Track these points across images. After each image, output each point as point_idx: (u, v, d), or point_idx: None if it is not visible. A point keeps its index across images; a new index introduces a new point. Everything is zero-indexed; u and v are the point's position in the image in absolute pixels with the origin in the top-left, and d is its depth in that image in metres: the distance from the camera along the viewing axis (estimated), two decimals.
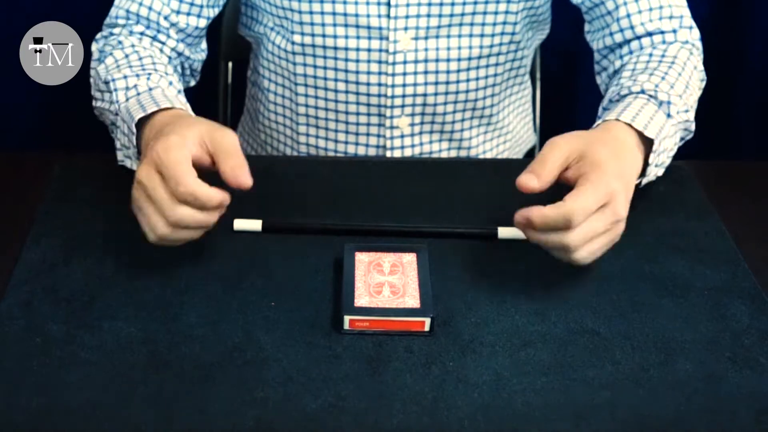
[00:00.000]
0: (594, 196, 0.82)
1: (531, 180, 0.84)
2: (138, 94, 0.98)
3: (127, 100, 0.98)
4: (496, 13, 1.13)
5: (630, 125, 0.93)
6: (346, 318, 0.82)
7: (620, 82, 1.04)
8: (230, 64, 1.48)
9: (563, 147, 0.86)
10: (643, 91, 0.99)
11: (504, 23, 1.14)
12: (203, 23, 1.13)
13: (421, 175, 1.09)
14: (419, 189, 1.06)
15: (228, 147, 0.85)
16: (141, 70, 1.02)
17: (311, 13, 1.12)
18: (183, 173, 0.82)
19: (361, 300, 0.84)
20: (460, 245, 0.95)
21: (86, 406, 0.75)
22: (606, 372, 0.80)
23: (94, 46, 1.11)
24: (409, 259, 0.89)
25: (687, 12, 1.12)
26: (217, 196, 0.82)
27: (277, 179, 1.02)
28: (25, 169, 1.09)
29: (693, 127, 1.04)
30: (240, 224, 0.95)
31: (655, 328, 0.85)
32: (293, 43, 1.16)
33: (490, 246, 0.95)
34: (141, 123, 0.95)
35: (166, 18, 1.10)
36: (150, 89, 0.99)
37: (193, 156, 0.84)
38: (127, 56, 1.05)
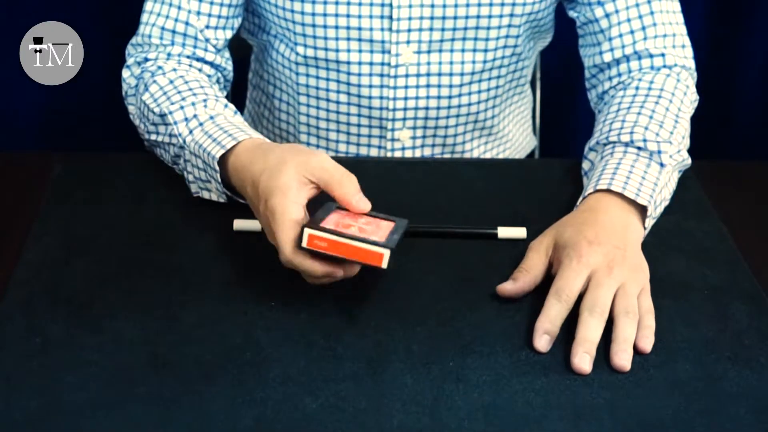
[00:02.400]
0: (565, 276, 0.85)
1: (507, 285, 0.87)
2: (201, 124, 0.98)
3: (191, 132, 0.98)
4: (499, 27, 1.12)
5: (621, 194, 0.93)
6: (307, 232, 0.81)
7: (607, 118, 1.05)
8: None
9: (539, 247, 0.90)
10: (632, 142, 0.99)
11: (507, 36, 1.14)
12: (230, 34, 1.13)
13: (421, 175, 1.09)
14: (419, 189, 1.06)
15: (332, 175, 0.85)
16: (193, 96, 1.01)
17: (314, 26, 1.12)
18: (284, 243, 0.82)
19: (328, 224, 0.83)
20: (460, 245, 0.95)
21: (86, 406, 0.75)
22: (606, 372, 0.80)
23: (126, 73, 1.10)
24: (387, 224, 0.86)
25: (681, 29, 1.11)
26: (319, 269, 0.81)
27: None
28: (25, 169, 1.09)
29: (689, 161, 1.04)
30: (240, 224, 0.95)
31: (656, 328, 0.85)
32: (297, 54, 1.16)
33: (490, 246, 0.95)
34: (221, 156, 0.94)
35: (201, 32, 1.09)
36: (211, 117, 0.98)
37: (305, 201, 0.85)
38: (171, 81, 1.04)
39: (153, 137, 1.04)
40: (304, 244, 0.81)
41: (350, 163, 1.15)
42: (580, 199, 0.97)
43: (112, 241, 0.94)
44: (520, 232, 0.96)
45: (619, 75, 1.11)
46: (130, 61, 1.11)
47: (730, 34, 1.77)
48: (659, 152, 0.98)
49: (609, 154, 0.99)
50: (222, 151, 0.93)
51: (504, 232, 0.96)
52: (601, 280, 0.85)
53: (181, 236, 0.95)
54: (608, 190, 0.94)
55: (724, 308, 0.88)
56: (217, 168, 0.94)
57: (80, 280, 0.88)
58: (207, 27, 1.10)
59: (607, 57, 1.11)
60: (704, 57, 1.79)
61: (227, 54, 1.15)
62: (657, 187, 0.95)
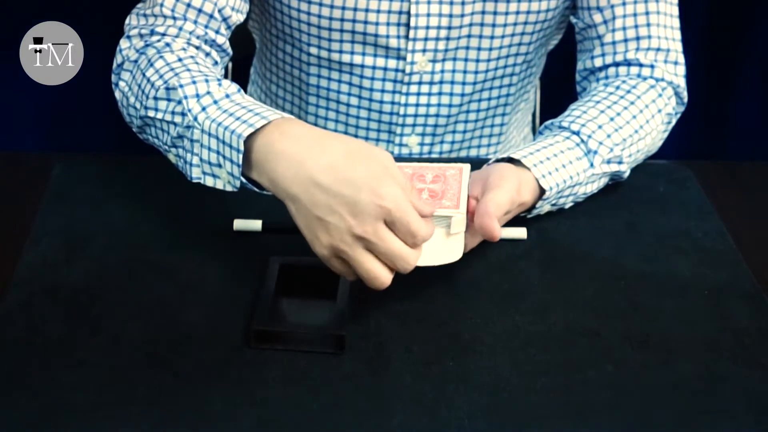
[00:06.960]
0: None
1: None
2: (215, 101, 0.90)
3: (204, 109, 0.89)
4: (512, 35, 1.13)
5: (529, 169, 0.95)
6: None
7: (575, 105, 1.06)
8: (229, 63, 1.48)
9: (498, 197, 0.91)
10: (578, 132, 1.00)
11: (519, 44, 1.15)
12: (241, 18, 1.08)
13: None
14: None
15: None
16: (204, 75, 0.93)
17: (330, 29, 1.11)
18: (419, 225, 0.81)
19: None
20: None
21: (86, 406, 0.75)
22: (606, 372, 0.80)
23: (125, 44, 1.03)
24: (453, 173, 0.92)
25: (677, 46, 1.12)
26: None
27: None
28: (25, 169, 1.09)
29: (626, 175, 1.04)
30: (240, 224, 0.95)
31: (655, 328, 0.85)
32: (309, 54, 1.15)
33: (490, 246, 0.95)
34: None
35: (220, 11, 1.04)
36: (227, 95, 0.90)
37: None
38: (180, 59, 0.97)
39: (150, 114, 0.94)
40: None
41: None
42: (494, 159, 0.99)
43: (112, 241, 0.94)
44: (520, 233, 0.96)
45: (606, 78, 1.11)
46: (132, 32, 1.03)
47: (730, 34, 1.77)
48: (595, 152, 0.99)
49: (552, 135, 1.01)
50: (250, 131, 0.85)
51: (504, 232, 0.96)
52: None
53: (181, 236, 0.95)
54: (520, 161, 0.96)
55: (724, 308, 0.88)
56: (242, 148, 0.85)
57: (80, 280, 0.88)
58: (228, 6, 1.04)
59: (598, 62, 1.12)
60: (704, 56, 1.79)
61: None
62: (569, 182, 0.97)
